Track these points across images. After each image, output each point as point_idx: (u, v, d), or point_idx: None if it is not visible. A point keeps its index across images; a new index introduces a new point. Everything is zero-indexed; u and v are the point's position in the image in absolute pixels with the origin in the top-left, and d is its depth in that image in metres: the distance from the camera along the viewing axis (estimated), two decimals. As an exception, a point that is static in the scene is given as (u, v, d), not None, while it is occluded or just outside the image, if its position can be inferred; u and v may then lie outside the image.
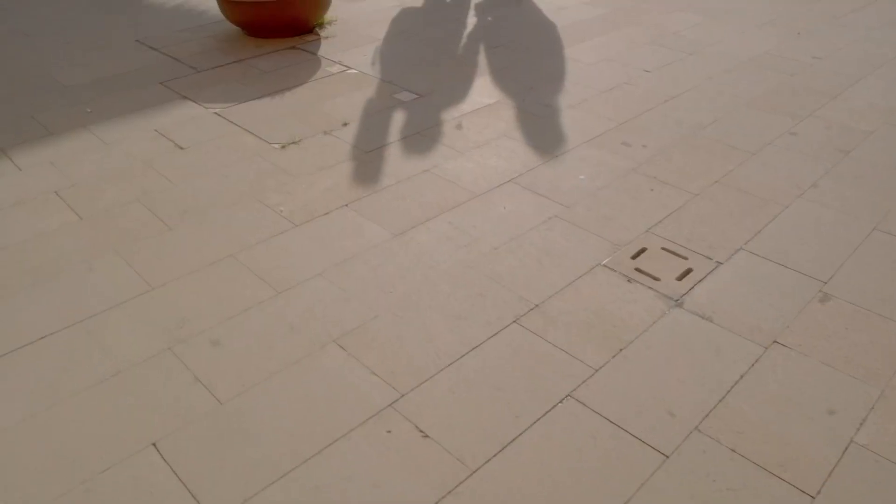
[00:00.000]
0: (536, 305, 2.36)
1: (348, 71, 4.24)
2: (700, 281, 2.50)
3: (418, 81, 4.10)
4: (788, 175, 3.18)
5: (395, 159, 3.25)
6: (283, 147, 3.36)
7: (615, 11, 5.44)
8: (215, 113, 3.73)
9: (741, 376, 2.09)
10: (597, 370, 2.10)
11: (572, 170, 3.18)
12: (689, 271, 2.56)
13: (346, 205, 2.91)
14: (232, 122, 3.62)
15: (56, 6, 5.61)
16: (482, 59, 4.44)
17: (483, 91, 3.97)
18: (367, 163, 3.22)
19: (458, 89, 4.00)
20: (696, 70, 4.31)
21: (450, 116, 3.66)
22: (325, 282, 2.46)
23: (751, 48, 4.71)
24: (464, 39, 4.80)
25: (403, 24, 5.10)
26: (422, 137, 3.45)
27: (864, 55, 4.60)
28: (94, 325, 2.26)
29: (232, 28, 4.97)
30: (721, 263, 2.59)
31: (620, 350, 2.18)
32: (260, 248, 2.64)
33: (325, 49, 4.60)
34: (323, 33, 4.86)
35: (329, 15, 5.07)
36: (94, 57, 4.53)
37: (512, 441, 1.87)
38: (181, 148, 3.38)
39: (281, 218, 2.82)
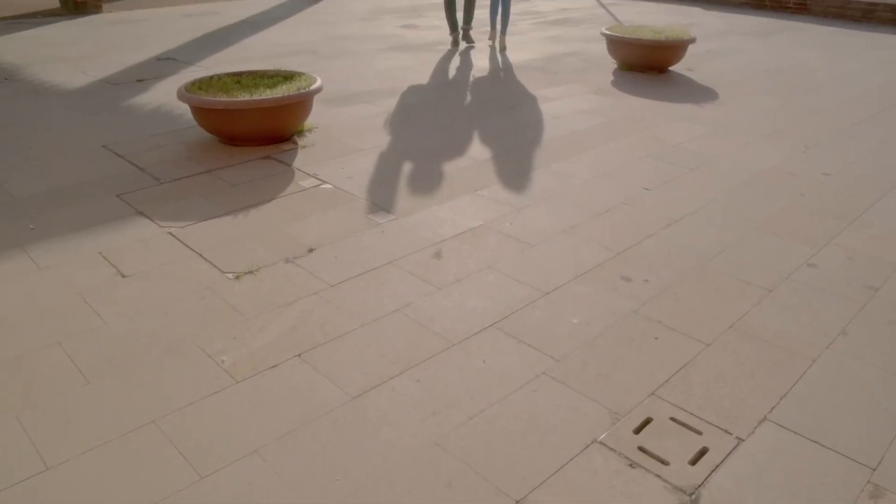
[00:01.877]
0: (516, 502, 1.90)
1: (322, 186, 3.91)
2: (718, 466, 2.04)
3: (397, 199, 3.77)
4: (812, 319, 2.77)
5: (363, 295, 2.86)
6: (238, 277, 2.97)
7: (613, 121, 5.18)
8: (170, 233, 3.36)
9: None
10: None
11: (564, 311, 2.77)
12: (704, 451, 2.11)
13: (300, 355, 2.49)
14: (186, 245, 3.24)
15: (28, 106, 5.38)
16: (469, 174, 4.12)
17: (468, 212, 3.63)
18: (330, 300, 2.82)
19: (441, 209, 3.66)
20: (700, 188, 3.98)
21: (429, 242, 3.29)
22: (260, 462, 2.01)
23: (757, 162, 4.41)
24: (451, 151, 4.50)
25: (388, 134, 4.83)
26: (395, 268, 3.06)
27: (878, 171, 4.29)
28: (-41, 527, 1.80)
29: (206, 134, 4.69)
30: (742, 440, 2.14)
31: (623, 576, 1.71)
32: (190, 413, 2.20)
33: (301, 160, 4.30)
34: (301, 142, 4.58)
35: (310, 121, 4.81)
36: (54, 163, 4.22)
37: None
38: (123, 276, 2.99)
39: (221, 371, 2.39)
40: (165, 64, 7.07)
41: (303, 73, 4.70)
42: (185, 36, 8.61)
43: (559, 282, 2.98)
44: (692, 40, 6.58)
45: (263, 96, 4.24)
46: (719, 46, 8.10)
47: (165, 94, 5.73)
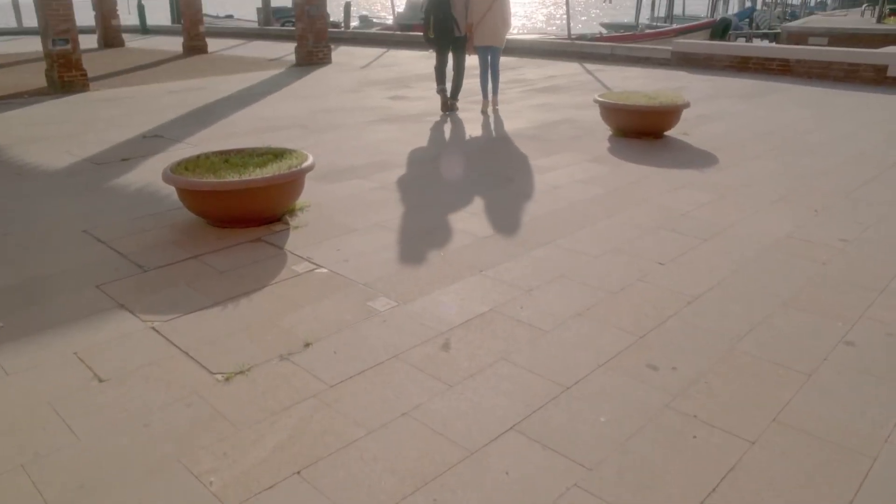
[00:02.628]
0: None
1: (317, 270, 3.67)
2: None
3: (397, 283, 3.53)
4: (862, 407, 2.52)
5: (367, 397, 2.58)
6: (228, 379, 2.70)
7: (615, 191, 5.02)
8: (153, 328, 3.09)
9: None
10: None
11: (590, 408, 2.51)
12: (771, 580, 1.82)
13: (299, 472, 2.20)
14: (170, 342, 2.97)
15: (7, 188, 5.16)
16: (472, 253, 3.90)
17: (474, 295, 3.39)
18: (331, 403, 2.54)
19: (445, 293, 3.42)
20: (717, 260, 3.78)
21: (435, 331, 3.04)
22: None
23: (770, 230, 4.23)
24: (450, 227, 4.30)
25: (384, 210, 4.63)
26: (400, 363, 2.80)
27: (895, 236, 4.12)
28: None
29: (193, 216, 4.46)
30: (812, 564, 1.86)
31: None
32: (172, 552, 1.89)
33: (293, 241, 4.07)
34: (293, 222, 4.36)
35: (302, 199, 4.60)
36: (30, 252, 3.97)
37: None
38: (100, 381, 2.70)
39: (209, 495, 2.10)
40: (151, 141, 6.91)
41: (293, 150, 4.53)
42: (171, 112, 8.51)
43: (580, 373, 2.72)
44: (686, 105, 6.52)
45: (253, 176, 4.04)
46: (711, 110, 8.08)
47: (151, 174, 5.54)
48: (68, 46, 10.57)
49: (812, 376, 2.71)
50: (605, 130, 6.92)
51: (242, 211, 4.14)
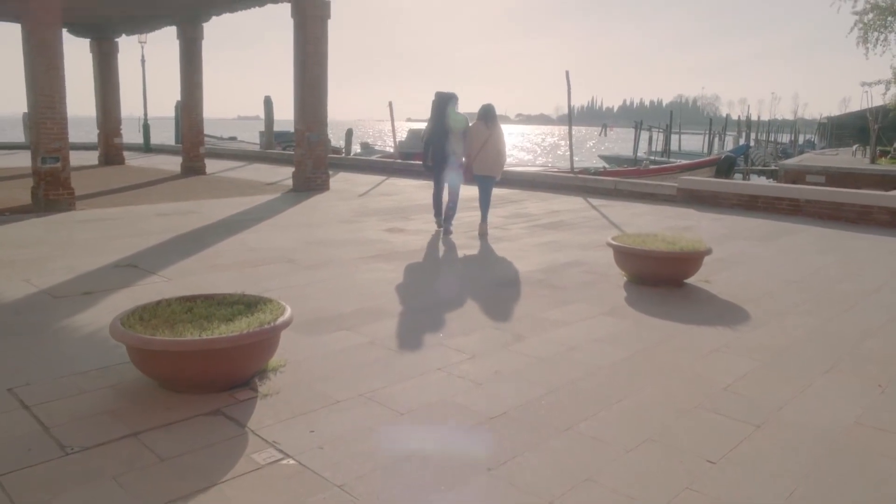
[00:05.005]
0: None
1: (283, 462, 2.92)
2: None
3: (382, 487, 2.77)
4: None
5: None
6: None
7: (640, 354, 4.35)
8: (53, 552, 2.31)
9: None
10: None
11: None
12: None
13: None
14: (69, 579, 2.19)
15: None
16: (476, 443, 3.17)
17: (480, 508, 2.63)
18: None
19: (443, 501, 2.66)
20: (780, 459, 3.05)
21: (429, 573, 2.26)
22: None
23: (833, 414, 3.52)
24: (450, 405, 3.58)
25: (373, 376, 3.93)
26: None
27: None
28: None
29: (144, 375, 3.75)
30: None
31: None
32: None
33: (259, 416, 3.34)
34: (263, 388, 3.65)
35: (277, 357, 3.91)
36: (-66, 422, 3.23)
37: None
38: None
39: None
40: (124, 272, 6.31)
41: (269, 301, 3.90)
42: (154, 238, 7.98)
43: None
44: (709, 251, 6.00)
45: (216, 335, 3.38)
46: (728, 253, 7.57)
47: (109, 314, 4.85)
48: (58, 164, 10.24)
49: None
50: (619, 275, 6.35)
51: (201, 375, 3.45)
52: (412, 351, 4.31)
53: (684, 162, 24.72)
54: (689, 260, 5.89)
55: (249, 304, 3.87)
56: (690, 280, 6.16)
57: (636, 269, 6.04)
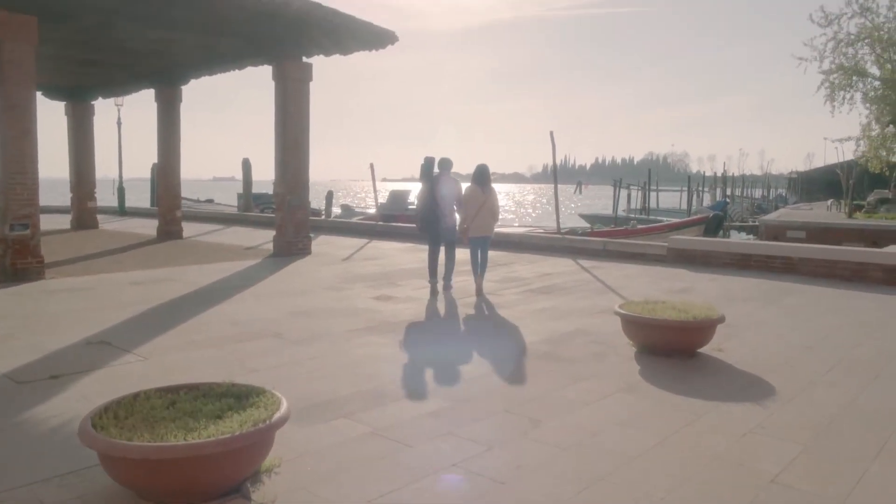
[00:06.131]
0: None
1: None
2: None
3: None
4: None
5: None
6: None
7: (667, 441, 3.95)
8: None
9: None
10: None
11: None
12: None
13: None
14: None
15: None
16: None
17: None
18: None
19: None
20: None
21: None
22: None
23: (897, 512, 3.15)
24: (471, 504, 3.15)
25: (381, 477, 3.48)
26: None
27: None
28: None
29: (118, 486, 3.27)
30: None
31: None
32: None
33: (253, 533, 2.88)
34: (256, 496, 3.18)
35: (271, 456, 3.45)
36: None
37: None
38: None
39: None
40: (96, 350, 5.82)
41: (262, 392, 3.46)
42: (129, 310, 7.49)
43: None
44: (721, 319, 5.70)
45: (204, 438, 2.94)
46: (733, 317, 7.25)
47: (79, 404, 4.39)
48: (27, 232, 9.76)
49: None
50: (628, 345, 5.99)
51: (185, 484, 2.98)
52: (421, 443, 3.87)
53: (673, 221, 24.71)
54: (704, 329, 5.58)
55: (239, 397, 3.43)
56: (703, 349, 5.83)
57: (647, 339, 5.70)
